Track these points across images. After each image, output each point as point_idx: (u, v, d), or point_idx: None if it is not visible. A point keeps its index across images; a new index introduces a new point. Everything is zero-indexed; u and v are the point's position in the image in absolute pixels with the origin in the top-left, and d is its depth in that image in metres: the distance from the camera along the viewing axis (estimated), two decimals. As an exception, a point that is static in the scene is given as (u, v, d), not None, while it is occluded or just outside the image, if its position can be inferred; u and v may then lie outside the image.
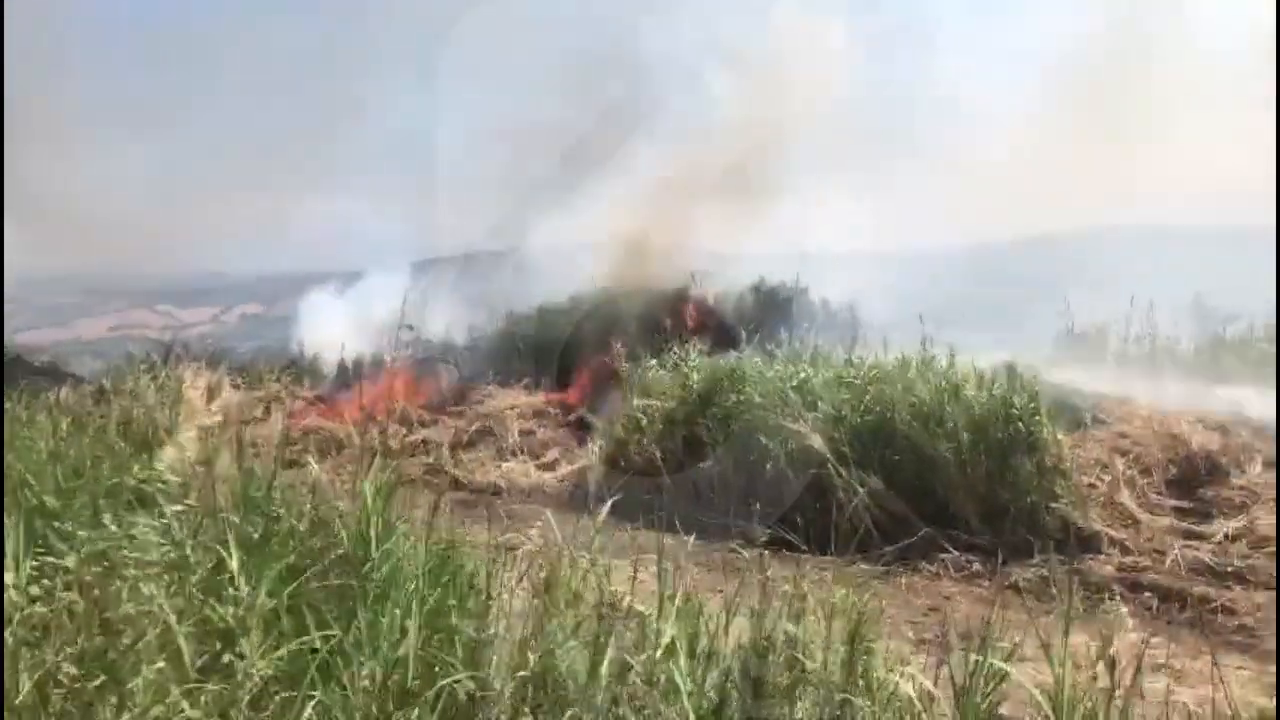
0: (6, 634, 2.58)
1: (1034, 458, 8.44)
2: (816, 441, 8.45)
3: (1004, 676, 2.72)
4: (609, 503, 3.36)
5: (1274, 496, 8.56)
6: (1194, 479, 9.27)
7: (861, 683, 2.91)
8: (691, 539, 6.05)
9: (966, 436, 8.49)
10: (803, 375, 9.54)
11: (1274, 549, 8.18)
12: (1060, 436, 9.22)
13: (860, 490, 8.47)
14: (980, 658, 2.72)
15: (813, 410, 9.00)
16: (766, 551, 3.72)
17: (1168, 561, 8.23)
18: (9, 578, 2.85)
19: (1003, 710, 2.74)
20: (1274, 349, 10.77)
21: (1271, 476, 9.17)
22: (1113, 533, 8.53)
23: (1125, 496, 9.02)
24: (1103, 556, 8.19)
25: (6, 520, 3.10)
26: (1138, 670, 2.30)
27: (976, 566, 8.00)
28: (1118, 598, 6.96)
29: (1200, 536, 8.58)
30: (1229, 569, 8.12)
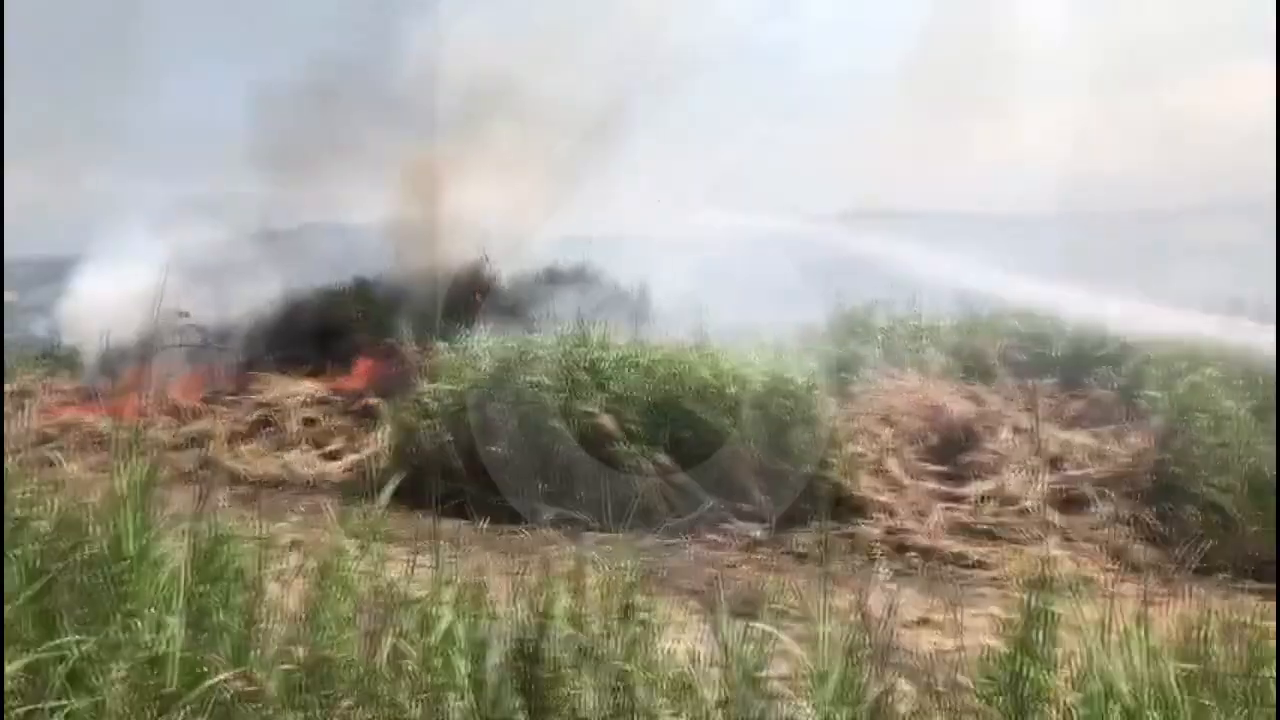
0: None
1: (809, 430, 8.88)
2: (607, 421, 8.57)
3: (773, 637, 2.83)
4: (389, 490, 3.29)
5: (1032, 456, 9.31)
6: (952, 445, 9.98)
7: (639, 651, 2.98)
8: (485, 522, 6.02)
9: (748, 412, 8.84)
10: (593, 356, 9.64)
11: (1021, 506, 8.97)
12: (833, 408, 9.75)
13: (650, 467, 8.68)
14: (748, 621, 2.83)
15: (603, 390, 9.12)
16: (551, 530, 3.73)
17: (930, 523, 8.88)
18: None
19: (773, 667, 2.85)
20: (1026, 327, 11.73)
21: (1021, 440, 10.02)
22: (880, 498, 9.11)
23: (892, 464, 9.65)
24: (872, 520, 8.75)
25: None
26: (887, 622, 2.47)
27: (758, 534, 8.37)
28: (881, 558, 7.46)
29: (958, 498, 9.30)
30: (983, 527, 8.84)
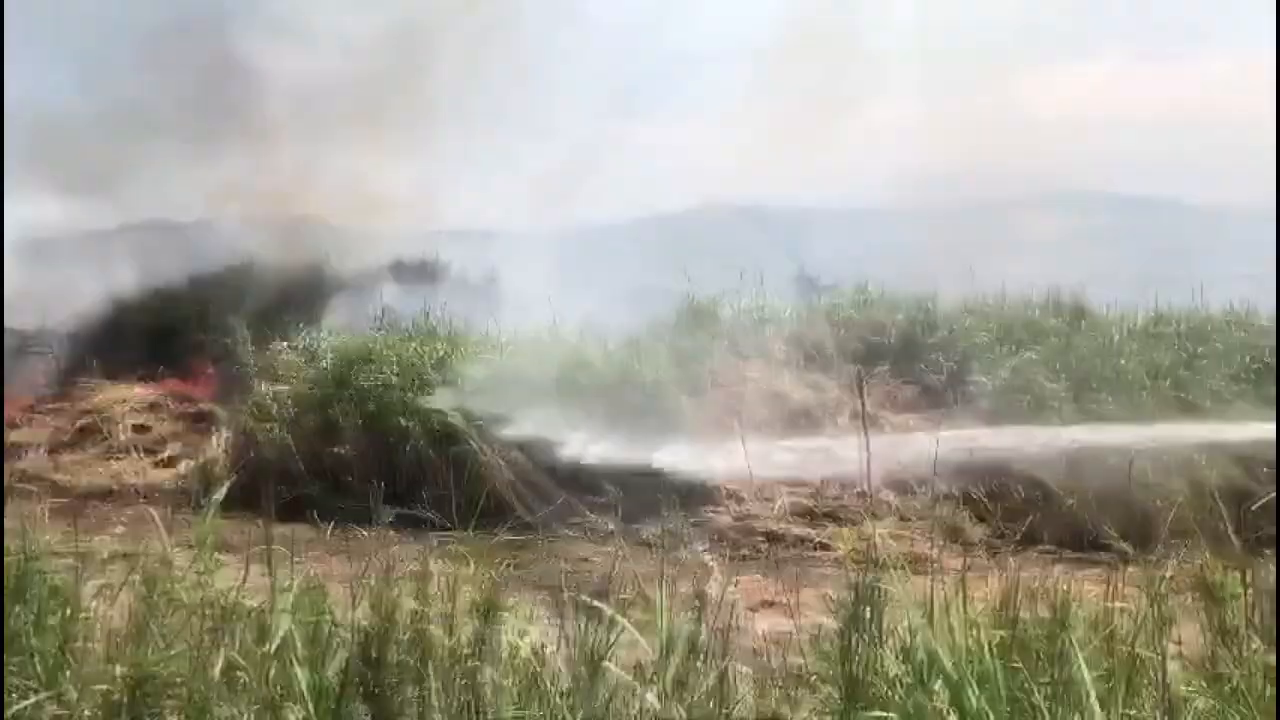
0: None
1: (660, 420, 9.01)
2: (456, 419, 8.48)
3: (619, 626, 2.85)
4: (220, 494, 3.17)
5: (861, 437, 9.64)
6: (795, 433, 10.28)
7: (486, 648, 2.96)
8: (330, 525, 5.85)
9: (598, 403, 8.90)
10: (441, 352, 9.52)
11: (860, 489, 9.32)
12: (682, 399, 9.92)
13: (501, 464, 8.63)
14: (596, 612, 2.85)
15: (452, 387, 9.01)
16: (396, 531, 3.67)
17: (775, 508, 9.16)
18: None
19: (618, 656, 2.87)
20: (862, 317, 12.16)
21: (858, 425, 10.40)
22: (729, 485, 9.33)
23: (740, 452, 9.88)
24: (721, 508, 8.96)
25: None
26: (720, 605, 2.53)
27: (611, 527, 8.44)
28: (721, 543, 7.65)
29: (802, 483, 9.61)
30: (825, 510, 9.18)
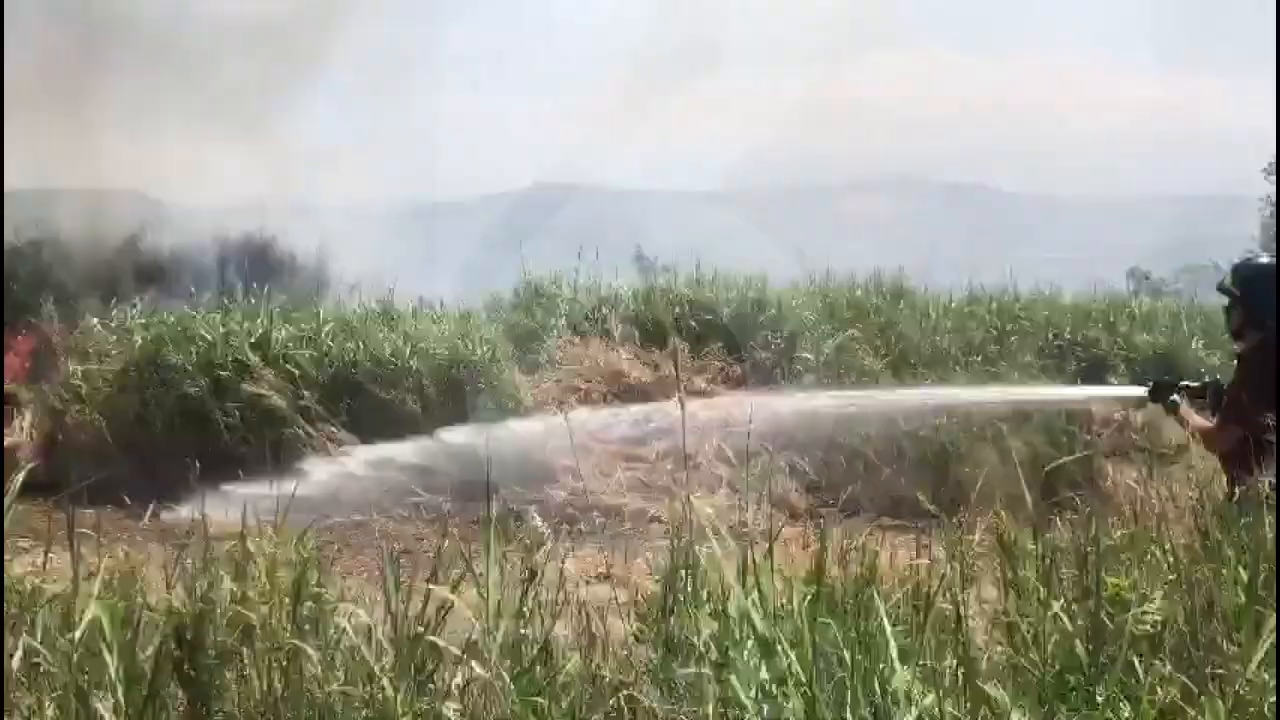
0: None
1: (494, 398, 8.97)
2: (278, 400, 8.22)
3: (449, 603, 2.84)
4: (19, 478, 2.99)
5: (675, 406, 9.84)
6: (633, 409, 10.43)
7: (311, 628, 2.91)
8: (148, 509, 5.60)
9: (429, 384, 8.79)
10: (261, 331, 9.17)
11: (695, 463, 9.56)
12: (520, 378, 9.91)
13: (329, 445, 8.43)
14: (426, 589, 2.84)
15: (273, 367, 8.72)
16: (215, 513, 3.54)
17: (612, 483, 9.28)
18: None
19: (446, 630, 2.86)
20: (696, 295, 12.39)
21: (694, 402, 10.64)
22: (566, 461, 9.39)
23: (577, 429, 9.96)
24: (558, 484, 9.01)
25: None
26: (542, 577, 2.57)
27: (448, 507, 8.36)
28: (559, 519, 7.71)
29: (639, 459, 9.78)
30: (661, 483, 9.35)
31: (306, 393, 8.62)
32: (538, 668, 2.38)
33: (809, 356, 9.85)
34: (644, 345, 11.75)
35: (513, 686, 2.31)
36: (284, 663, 2.76)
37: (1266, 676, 2.05)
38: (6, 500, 2.91)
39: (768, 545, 2.67)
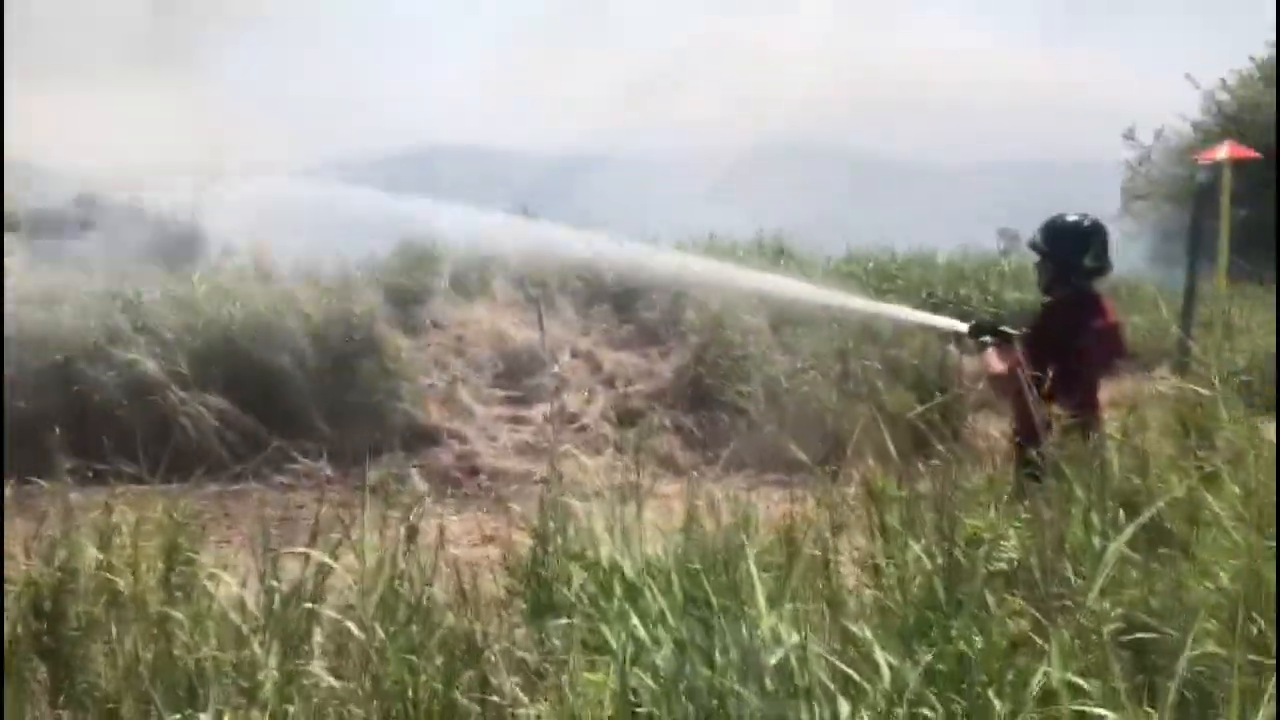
0: None
1: (376, 361, 8.82)
2: (149, 366, 7.92)
3: (326, 567, 2.82)
4: None
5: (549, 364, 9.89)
6: (518, 372, 10.39)
7: (182, 597, 2.85)
8: (9, 481, 5.35)
9: (308, 346, 8.59)
10: (132, 296, 8.80)
11: (581, 424, 9.60)
12: (402, 340, 9.76)
13: (204, 411, 8.18)
14: (303, 554, 2.80)
15: (145, 333, 8.38)
16: (81, 483, 3.43)
17: (498, 445, 9.24)
18: None
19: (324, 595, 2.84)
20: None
21: (580, 364, 10.66)
22: (452, 425, 9.32)
23: (462, 392, 9.88)
24: (443, 447, 8.94)
25: None
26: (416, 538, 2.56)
27: (328, 472, 8.21)
28: (414, 476, 7.67)
29: (524, 421, 9.76)
30: (546, 445, 9.34)
31: (180, 358, 8.32)
32: (413, 626, 2.38)
33: (693, 316, 9.95)
34: (529, 307, 11.69)
35: (388, 645, 2.30)
36: (154, 631, 2.70)
37: (1106, 605, 2.19)
38: None
39: (642, 501, 2.71)
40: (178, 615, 2.68)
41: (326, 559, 2.77)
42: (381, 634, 2.28)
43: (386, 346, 9.04)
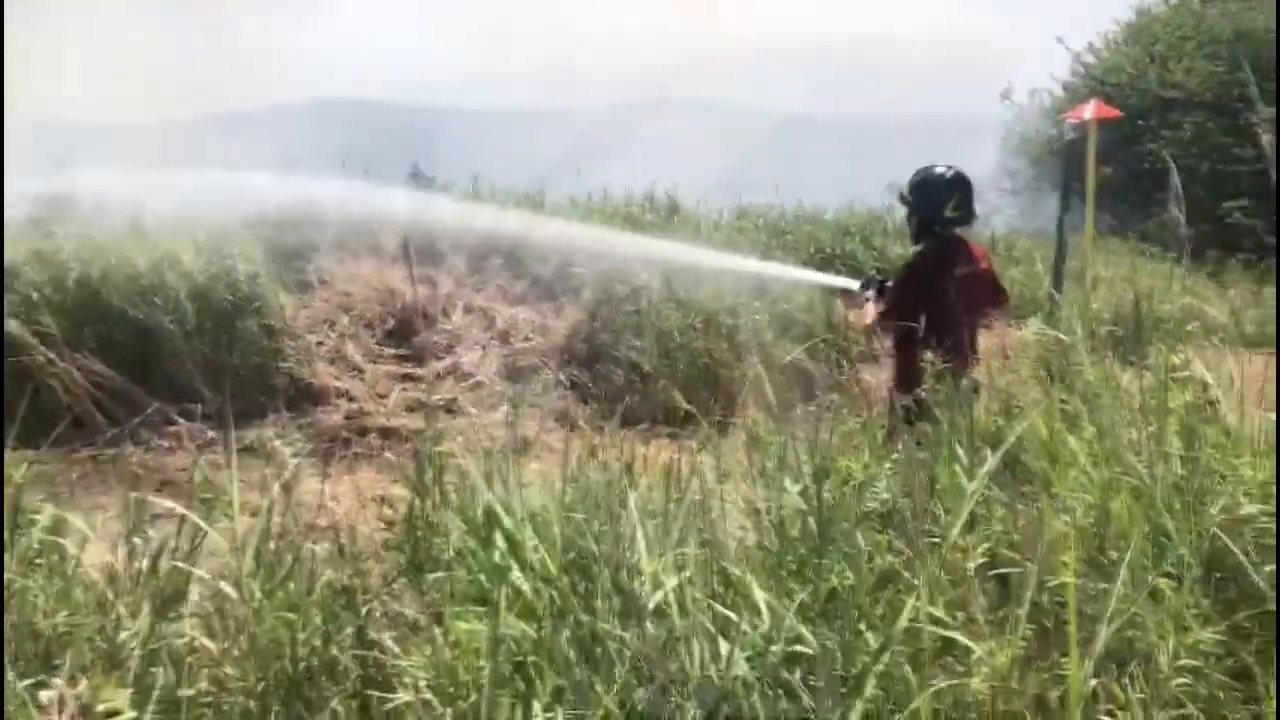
0: None
1: (258, 321, 8.58)
2: (12, 326, 7.55)
3: (200, 529, 2.75)
4: None
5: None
6: (409, 328, 10.24)
7: (44, 563, 2.75)
8: None
9: (189, 305, 8.30)
10: (-6, 253, 8.35)
11: (475, 380, 9.52)
12: (286, 298, 9.50)
13: (75, 373, 7.84)
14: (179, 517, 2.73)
15: (9, 293, 7.97)
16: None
17: (389, 403, 9.10)
18: None
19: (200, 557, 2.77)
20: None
21: (473, 319, 10.55)
22: (340, 384, 9.13)
23: (350, 350, 9.69)
24: (331, 407, 8.76)
25: None
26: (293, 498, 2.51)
27: (211, 434, 7.98)
28: (333, 442, 7.54)
29: (416, 379, 9.63)
30: (440, 402, 9.24)
31: (48, 318, 7.94)
32: (291, 584, 2.35)
33: (584, 271, 9.94)
34: (419, 263, 11.49)
35: (266, 604, 2.26)
36: (10, 599, 2.60)
37: (969, 540, 2.29)
38: None
39: (527, 452, 2.71)
40: (30, 583, 2.58)
41: (197, 519, 2.70)
42: (258, 592, 2.24)
43: (270, 305, 8.79)
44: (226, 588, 2.30)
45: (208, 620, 2.30)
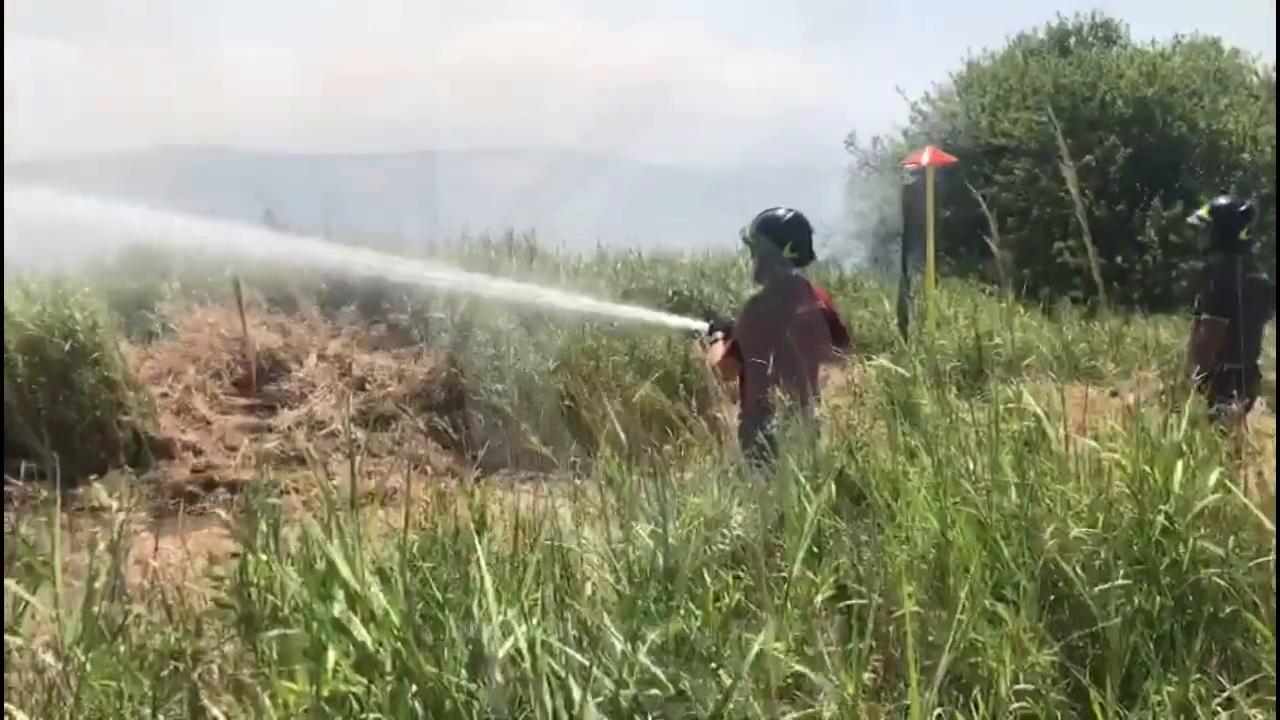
0: None
1: (97, 372, 8.15)
2: None
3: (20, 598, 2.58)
4: None
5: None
6: (260, 377, 9.89)
7: None
8: None
9: (21, 358, 7.83)
10: None
11: (330, 429, 9.24)
12: (127, 347, 9.07)
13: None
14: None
15: None
16: None
17: (239, 456, 8.75)
18: None
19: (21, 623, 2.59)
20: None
21: (327, 367, 10.26)
22: (186, 437, 8.73)
23: (197, 401, 9.28)
24: (177, 461, 8.36)
25: None
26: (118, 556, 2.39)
27: (45, 494, 7.50)
28: (177, 498, 7.20)
29: (268, 429, 9.28)
30: (294, 453, 8.93)
31: None
32: (121, 647, 2.21)
33: (442, 316, 9.82)
34: (269, 309, 11.15)
35: (88, 671, 2.13)
36: None
37: (811, 573, 2.34)
38: None
39: (375, 502, 2.64)
40: None
41: (18, 588, 2.53)
42: (81, 658, 2.10)
43: (110, 355, 8.36)
44: (46, 657, 2.15)
45: (30, 693, 2.15)
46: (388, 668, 1.98)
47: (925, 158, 10.07)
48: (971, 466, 2.80)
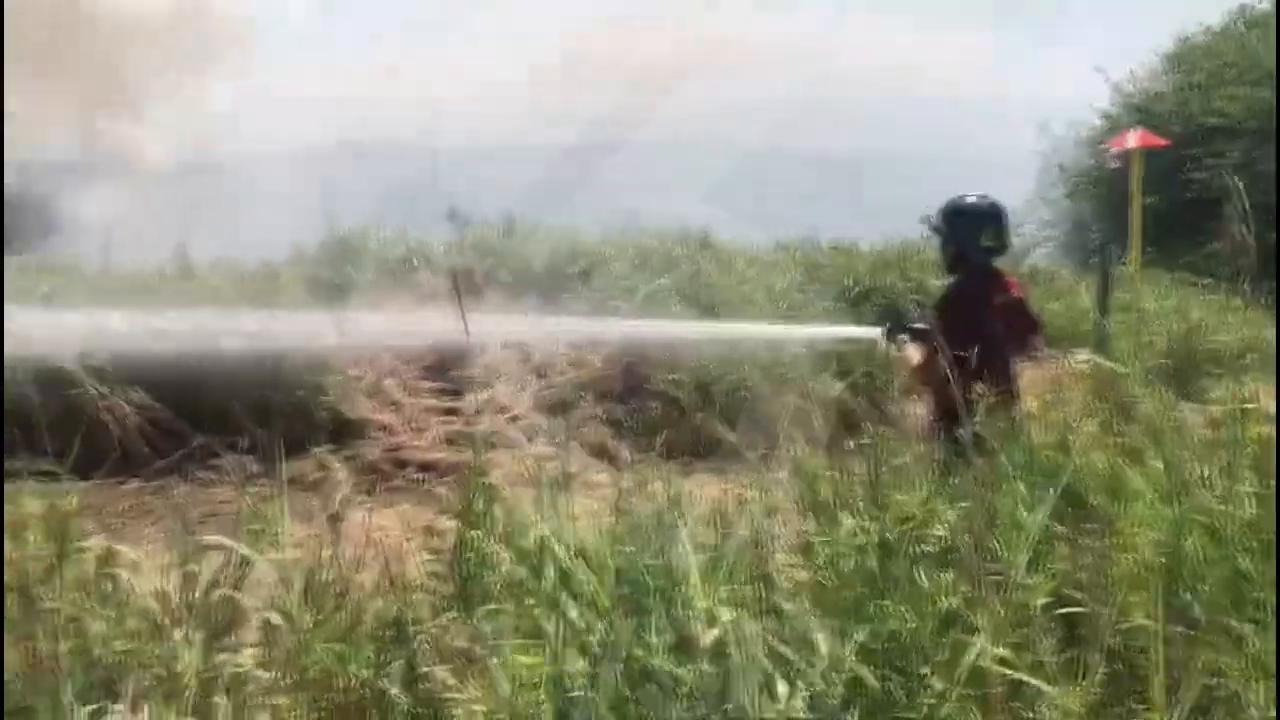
0: None
1: (302, 356, 8.66)
2: (66, 361, 7.68)
3: (249, 560, 2.74)
4: None
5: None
6: (447, 363, 10.26)
7: (95, 591, 2.74)
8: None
9: (235, 341, 8.39)
10: (46, 289, 8.55)
11: (513, 414, 9.51)
12: (329, 334, 9.58)
13: (126, 407, 7.94)
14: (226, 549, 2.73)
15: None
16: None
17: (427, 437, 9.12)
18: None
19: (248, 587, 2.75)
20: (505, 250, 12.24)
21: (510, 354, 10.55)
22: (379, 417, 9.17)
23: (389, 384, 9.73)
24: (370, 440, 8.79)
25: None
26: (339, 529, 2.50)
27: (255, 468, 7.99)
28: (372, 476, 7.55)
29: (455, 412, 9.64)
30: (483, 435, 9.24)
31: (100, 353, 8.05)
32: (340, 614, 2.32)
33: (621, 305, 9.94)
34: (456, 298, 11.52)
35: (313, 634, 2.24)
36: (64, 625, 2.59)
37: (1032, 580, 2.22)
38: None
39: (573, 485, 2.68)
40: (88, 609, 2.58)
41: (245, 550, 2.69)
42: (309, 622, 2.22)
43: (314, 340, 8.85)
44: (275, 617, 2.28)
45: (259, 650, 2.29)
46: (594, 647, 2.00)
47: (1131, 140, 9.47)
48: (1205, 472, 2.61)
